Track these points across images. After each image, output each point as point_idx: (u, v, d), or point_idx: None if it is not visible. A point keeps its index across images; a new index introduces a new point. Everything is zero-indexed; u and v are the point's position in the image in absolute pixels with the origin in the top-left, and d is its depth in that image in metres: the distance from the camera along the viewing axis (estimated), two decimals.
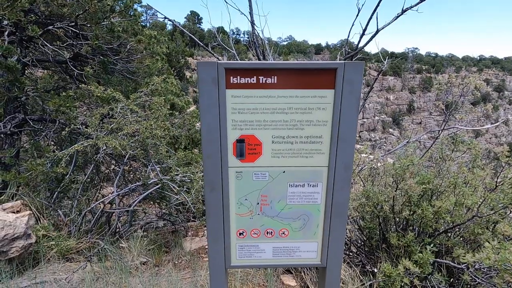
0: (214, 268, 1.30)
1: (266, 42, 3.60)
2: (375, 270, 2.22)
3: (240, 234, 1.26)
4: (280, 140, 1.14)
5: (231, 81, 1.06)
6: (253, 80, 1.07)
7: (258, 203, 1.22)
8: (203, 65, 1.04)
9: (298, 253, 1.30)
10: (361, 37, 2.49)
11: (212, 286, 1.33)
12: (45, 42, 3.87)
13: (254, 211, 1.23)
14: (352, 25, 2.50)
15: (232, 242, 1.27)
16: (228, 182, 1.18)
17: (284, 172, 1.19)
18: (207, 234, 1.27)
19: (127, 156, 3.46)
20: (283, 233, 1.27)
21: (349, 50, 2.82)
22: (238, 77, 1.06)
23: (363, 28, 2.41)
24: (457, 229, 2.21)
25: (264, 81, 1.07)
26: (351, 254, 2.70)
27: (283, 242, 1.28)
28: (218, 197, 1.19)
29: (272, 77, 1.07)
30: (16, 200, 3.68)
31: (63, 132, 3.33)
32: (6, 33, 3.66)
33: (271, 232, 1.26)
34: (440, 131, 2.76)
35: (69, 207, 3.62)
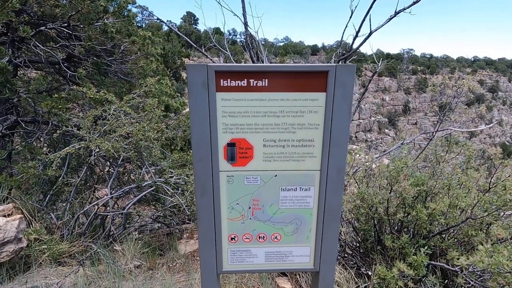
0: (205, 274, 1.28)
1: (262, 43, 3.58)
2: (370, 273, 2.21)
3: (231, 239, 1.24)
4: (271, 144, 1.13)
5: (221, 84, 1.05)
6: (244, 83, 1.05)
7: (250, 208, 1.20)
8: (193, 68, 1.02)
9: (291, 258, 1.29)
10: (354, 39, 2.49)
11: None
12: (37, 43, 3.82)
13: (246, 215, 1.21)
14: (346, 26, 2.50)
15: (223, 247, 1.25)
16: (219, 186, 1.16)
17: (276, 176, 1.17)
18: (198, 239, 1.25)
19: (121, 158, 3.42)
20: (276, 238, 1.25)
21: (344, 52, 2.82)
22: (229, 80, 1.04)
23: (356, 30, 2.42)
24: (451, 231, 2.22)
25: (255, 84, 1.05)
26: (346, 256, 2.69)
27: (276, 247, 1.27)
28: (209, 202, 1.18)
29: (263, 80, 1.05)
30: (8, 203, 3.62)
31: (54, 134, 3.28)
32: None
33: (263, 236, 1.25)
34: (434, 133, 2.76)
35: (62, 210, 3.56)
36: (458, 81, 2.56)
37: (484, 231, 2.00)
